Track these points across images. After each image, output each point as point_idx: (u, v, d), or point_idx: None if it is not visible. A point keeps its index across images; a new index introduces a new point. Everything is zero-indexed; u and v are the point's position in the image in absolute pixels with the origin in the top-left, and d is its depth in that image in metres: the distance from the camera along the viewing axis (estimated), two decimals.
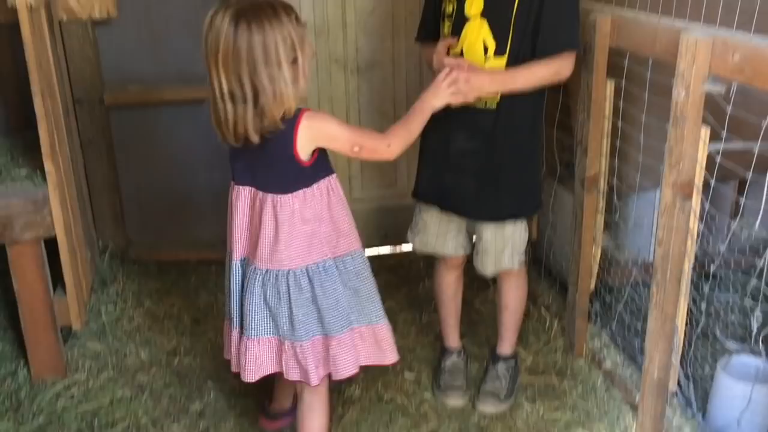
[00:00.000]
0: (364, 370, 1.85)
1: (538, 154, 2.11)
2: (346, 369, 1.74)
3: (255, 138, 1.58)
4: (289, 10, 1.57)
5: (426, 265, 2.92)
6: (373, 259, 3.04)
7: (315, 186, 1.68)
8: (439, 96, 1.80)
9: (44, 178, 2.17)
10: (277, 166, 1.64)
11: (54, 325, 2.27)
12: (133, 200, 3.03)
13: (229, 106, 1.57)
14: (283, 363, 1.75)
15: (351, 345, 1.75)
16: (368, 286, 1.80)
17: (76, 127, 2.77)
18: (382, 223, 3.17)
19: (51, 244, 2.23)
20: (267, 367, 1.77)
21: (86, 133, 2.82)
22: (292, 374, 1.75)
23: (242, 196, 1.73)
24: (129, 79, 2.85)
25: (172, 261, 3.03)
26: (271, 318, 1.72)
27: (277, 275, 1.68)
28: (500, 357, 2.30)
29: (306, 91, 1.65)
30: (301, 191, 1.66)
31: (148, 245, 3.06)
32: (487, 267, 2.10)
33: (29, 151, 2.42)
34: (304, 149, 1.63)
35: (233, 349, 1.82)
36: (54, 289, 2.29)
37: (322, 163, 1.71)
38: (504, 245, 2.06)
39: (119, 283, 2.83)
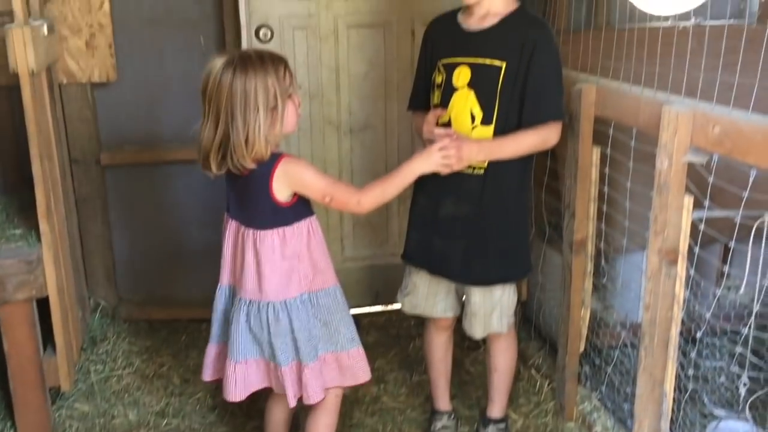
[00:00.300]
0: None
1: (526, 219, 2.16)
2: (315, 395, 1.86)
3: (214, 170, 1.77)
4: (278, 62, 1.74)
5: (417, 324, 2.94)
6: (363, 318, 3.08)
7: (295, 225, 1.82)
8: (429, 162, 1.86)
9: (39, 238, 2.19)
10: (257, 203, 1.79)
11: (43, 386, 2.26)
12: (125, 258, 3.04)
13: (206, 134, 1.76)
14: (272, 381, 1.90)
15: (318, 372, 1.87)
16: (338, 317, 1.91)
17: (71, 186, 2.81)
18: (373, 282, 3.19)
19: (42, 302, 2.23)
20: (255, 385, 1.92)
21: (81, 191, 2.86)
22: (279, 390, 1.90)
23: (231, 228, 1.89)
24: (125, 139, 2.90)
25: (162, 319, 3.03)
26: (256, 343, 1.87)
27: (259, 306, 1.83)
28: (491, 420, 2.30)
29: (281, 138, 1.79)
30: (281, 229, 1.80)
31: (139, 303, 3.06)
32: (476, 330, 2.12)
33: (25, 211, 2.45)
34: (280, 192, 1.77)
35: (212, 364, 2.01)
36: (44, 349, 2.29)
37: (303, 205, 1.84)
38: (493, 308, 2.09)
39: (109, 342, 2.82)
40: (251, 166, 1.73)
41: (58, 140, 2.53)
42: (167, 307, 3.06)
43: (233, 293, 1.92)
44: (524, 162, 2.03)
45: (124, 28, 2.77)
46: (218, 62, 1.73)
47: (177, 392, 2.56)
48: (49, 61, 2.41)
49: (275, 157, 1.75)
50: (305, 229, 1.84)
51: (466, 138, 1.93)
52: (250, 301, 1.84)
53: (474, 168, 1.97)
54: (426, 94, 2.09)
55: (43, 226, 2.16)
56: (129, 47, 2.80)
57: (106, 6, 2.65)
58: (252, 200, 1.80)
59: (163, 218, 3.02)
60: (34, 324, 2.22)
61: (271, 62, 1.73)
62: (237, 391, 1.89)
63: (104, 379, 2.61)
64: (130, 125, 2.90)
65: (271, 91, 1.70)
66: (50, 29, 2.42)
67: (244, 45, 2.70)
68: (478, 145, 1.92)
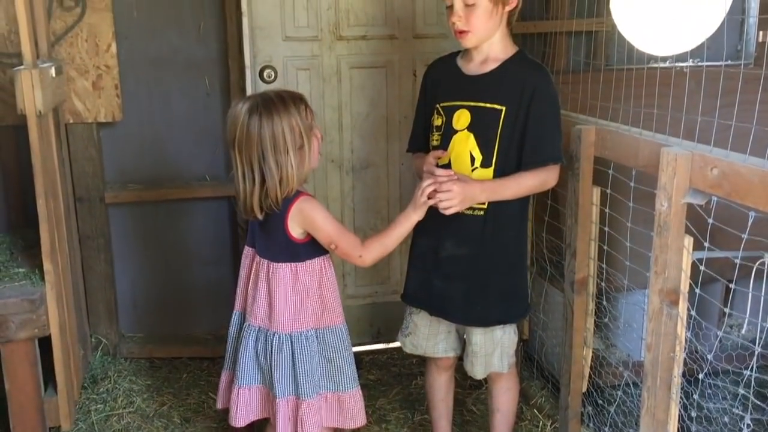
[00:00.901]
0: None
1: (525, 259, 2.17)
2: (311, 431, 1.88)
3: (259, 215, 1.81)
4: (298, 101, 1.80)
5: (419, 362, 2.92)
6: (365, 356, 3.07)
7: (308, 262, 1.86)
8: (419, 210, 1.89)
9: (42, 278, 2.20)
10: (273, 236, 1.85)
11: (43, 426, 2.25)
12: (127, 296, 3.05)
13: (241, 185, 1.80)
14: (270, 412, 1.93)
15: (317, 409, 1.89)
16: (342, 356, 1.93)
17: (75, 224, 2.83)
18: (374, 319, 3.19)
19: (43, 340, 2.23)
20: (256, 413, 1.96)
21: (85, 229, 2.87)
22: (274, 423, 1.92)
23: (248, 256, 1.97)
24: (129, 178, 2.93)
25: (163, 357, 3.02)
26: (260, 370, 1.92)
27: (267, 334, 1.89)
28: None
29: (309, 173, 1.87)
30: (293, 264, 1.85)
31: (141, 341, 3.06)
32: (477, 370, 2.12)
33: (29, 249, 2.46)
34: (294, 228, 1.83)
35: (224, 392, 2.03)
36: (45, 388, 2.28)
37: (318, 243, 1.87)
38: (493, 348, 2.09)
39: (110, 381, 2.81)
40: (273, 206, 1.80)
41: (63, 178, 2.56)
42: (168, 345, 3.05)
43: (244, 318, 1.99)
44: (522, 203, 2.04)
45: (131, 69, 2.82)
46: (241, 110, 1.76)
47: None
48: (56, 102, 2.45)
49: (294, 195, 1.81)
50: (317, 267, 1.89)
51: (468, 178, 1.95)
52: (259, 328, 1.91)
53: (474, 209, 1.98)
54: (425, 136, 2.12)
55: (47, 265, 2.18)
56: (135, 88, 2.85)
57: (113, 48, 2.70)
58: (269, 233, 1.86)
59: (166, 256, 3.03)
60: (36, 363, 2.22)
61: (292, 102, 1.78)
62: (238, 416, 1.94)
63: (105, 419, 2.59)
64: (134, 164, 2.93)
65: (297, 131, 1.77)
66: (58, 71, 2.46)
67: (248, 86, 2.74)
68: (481, 186, 1.94)
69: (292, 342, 1.87)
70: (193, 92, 2.91)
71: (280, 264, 1.86)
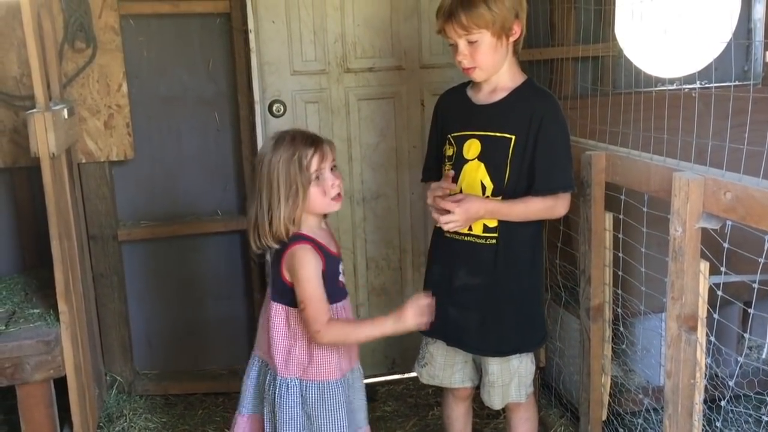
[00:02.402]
0: None
1: (541, 287, 2.15)
2: None
3: (254, 247, 1.82)
4: (308, 145, 1.77)
5: (435, 392, 2.90)
6: (380, 387, 3.05)
7: (298, 310, 1.80)
8: (403, 325, 1.78)
9: (57, 318, 2.20)
10: (273, 274, 1.85)
11: None
12: (141, 333, 3.05)
13: (249, 211, 1.84)
14: None
15: None
16: (324, 415, 1.83)
17: (89, 263, 2.84)
18: (389, 350, 3.17)
19: (59, 379, 2.23)
20: None
21: (99, 267, 2.88)
22: None
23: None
24: (142, 215, 2.95)
25: (178, 394, 3.01)
26: (261, 400, 1.90)
27: (267, 365, 1.89)
28: None
29: (299, 219, 1.80)
30: (286, 307, 1.83)
31: (155, 378, 3.05)
32: (494, 400, 2.09)
33: (43, 289, 2.47)
34: (286, 273, 1.81)
35: None
36: (61, 428, 2.27)
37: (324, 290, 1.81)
38: (511, 378, 2.06)
39: (126, 419, 2.79)
40: (272, 245, 1.80)
41: (76, 218, 2.57)
42: (183, 381, 3.04)
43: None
44: (535, 231, 2.03)
45: (142, 108, 2.85)
46: (269, 141, 1.82)
47: None
48: (69, 143, 2.47)
49: (293, 240, 1.78)
50: None
51: (471, 196, 1.95)
52: (262, 360, 1.91)
53: (486, 238, 1.98)
54: (438, 166, 2.12)
55: (62, 305, 2.18)
56: (146, 126, 2.87)
57: (124, 87, 2.73)
58: (272, 271, 1.87)
59: (179, 292, 3.03)
60: (52, 404, 2.21)
61: (302, 145, 1.77)
62: None
63: None
64: (146, 201, 2.95)
65: (291, 176, 1.75)
66: (70, 112, 2.49)
67: (258, 121, 2.77)
68: (483, 204, 1.94)
69: (278, 385, 1.82)
70: (203, 128, 2.93)
71: (276, 304, 1.84)
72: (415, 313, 1.78)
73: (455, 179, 2.00)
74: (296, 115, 2.94)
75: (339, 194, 1.83)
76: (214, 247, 3.03)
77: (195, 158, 2.94)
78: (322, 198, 1.80)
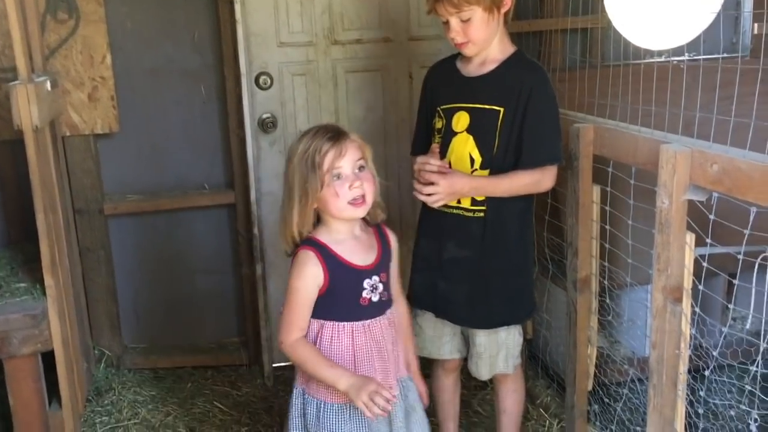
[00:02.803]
0: None
1: (530, 260, 2.16)
2: None
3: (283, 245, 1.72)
4: (325, 142, 1.60)
5: (424, 364, 2.91)
6: None
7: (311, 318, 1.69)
8: (353, 392, 1.59)
9: (44, 292, 2.19)
10: None
11: None
12: (130, 307, 3.04)
13: None
14: None
15: None
16: None
17: (75, 237, 2.82)
18: None
19: (47, 354, 2.23)
20: None
21: (85, 241, 2.87)
22: None
23: None
24: (128, 189, 2.93)
25: (167, 368, 3.01)
26: None
27: None
28: None
29: (309, 221, 1.66)
30: None
31: (144, 352, 3.05)
32: (482, 371, 2.11)
33: (29, 263, 2.46)
34: None
35: None
36: (49, 402, 2.27)
37: (325, 304, 1.68)
38: (498, 350, 2.08)
39: (114, 393, 2.80)
40: (286, 247, 1.70)
41: (61, 191, 2.55)
42: (172, 355, 3.05)
43: None
44: (524, 204, 2.04)
45: (126, 80, 2.81)
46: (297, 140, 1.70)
47: None
48: (52, 116, 2.44)
49: (303, 242, 1.68)
50: (315, 328, 1.70)
51: (457, 172, 1.95)
52: None
53: (474, 211, 1.98)
54: (427, 140, 2.11)
55: (48, 279, 2.17)
56: (131, 98, 2.84)
57: (108, 59, 2.69)
58: None
59: (167, 266, 3.03)
60: (40, 378, 2.21)
61: (320, 139, 1.61)
62: None
63: (110, 431, 2.59)
64: (132, 175, 2.92)
65: (304, 174, 1.61)
66: (53, 84, 2.46)
67: (245, 93, 2.73)
68: (468, 181, 1.94)
69: (292, 392, 1.78)
70: (189, 101, 2.90)
71: None
72: (368, 395, 1.56)
73: (443, 152, 2.00)
74: (283, 87, 2.91)
75: (361, 198, 1.63)
76: (201, 221, 3.02)
77: (181, 131, 2.92)
78: (336, 201, 1.62)
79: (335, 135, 1.62)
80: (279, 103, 2.92)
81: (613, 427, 2.33)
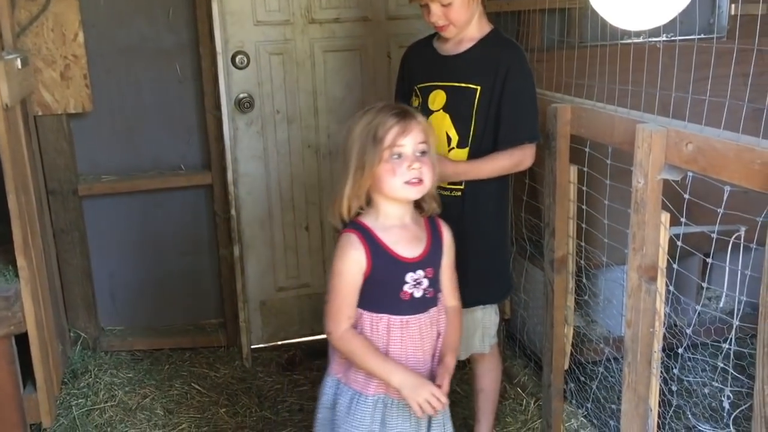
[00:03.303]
0: None
1: (506, 240, 2.16)
2: None
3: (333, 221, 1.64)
4: (389, 119, 1.54)
5: None
6: None
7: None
8: (408, 390, 1.56)
9: (16, 274, 2.15)
10: None
11: (23, 423, 2.21)
12: (105, 288, 3.01)
13: None
14: None
15: None
16: (344, 428, 1.64)
17: (49, 218, 2.78)
18: None
19: (21, 337, 2.20)
20: None
21: (59, 223, 2.82)
22: None
23: None
24: (103, 169, 2.88)
25: (144, 350, 2.99)
26: None
27: None
28: None
29: (362, 199, 1.59)
30: None
31: (121, 334, 3.03)
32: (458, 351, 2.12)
33: (1, 245, 2.41)
34: None
35: None
36: (24, 385, 2.25)
37: (371, 292, 1.59)
38: (475, 329, 2.09)
39: (90, 375, 2.78)
40: (335, 223, 1.61)
41: (34, 172, 2.51)
42: (149, 336, 3.03)
43: None
44: (501, 184, 2.04)
45: (99, 59, 2.76)
46: (358, 113, 1.63)
47: (161, 424, 2.53)
48: (23, 94, 2.39)
49: (349, 225, 1.60)
50: (361, 318, 1.61)
51: (440, 157, 1.94)
52: None
53: (452, 190, 1.98)
54: None
55: (21, 261, 2.13)
56: (104, 77, 2.79)
57: (80, 37, 2.64)
58: None
59: (143, 247, 3.00)
60: (14, 360, 2.18)
61: (385, 114, 1.55)
62: None
63: (86, 413, 2.57)
64: (107, 155, 2.88)
65: (363, 146, 1.53)
66: (24, 62, 2.40)
67: (221, 72, 2.70)
68: (453, 166, 1.94)
69: (324, 381, 1.71)
70: (164, 80, 2.86)
71: None
72: (425, 398, 1.55)
73: None
74: (260, 66, 2.88)
75: (418, 179, 1.55)
76: (178, 202, 2.99)
77: (156, 111, 2.87)
78: (391, 178, 1.53)
79: (402, 113, 1.56)
80: (256, 82, 2.88)
81: (589, 405, 2.35)
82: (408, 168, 1.53)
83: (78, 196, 2.82)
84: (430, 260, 1.63)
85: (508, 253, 2.17)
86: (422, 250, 1.62)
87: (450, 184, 1.97)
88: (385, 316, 1.59)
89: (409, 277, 1.59)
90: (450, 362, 1.69)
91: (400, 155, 1.54)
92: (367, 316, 1.60)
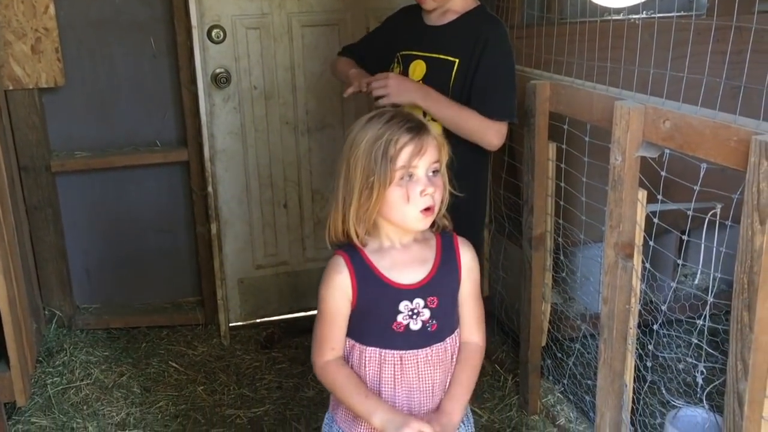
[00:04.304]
0: None
1: (481, 217, 2.14)
2: None
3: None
4: (402, 133, 1.33)
5: None
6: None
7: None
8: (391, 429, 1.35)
9: None
10: None
11: None
12: (81, 266, 2.97)
13: None
14: None
15: None
16: None
17: (21, 195, 2.73)
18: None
19: None
20: None
21: (32, 199, 2.78)
22: None
23: None
24: (76, 145, 2.83)
25: (121, 328, 2.97)
26: None
27: None
28: None
29: (370, 223, 1.38)
30: None
31: (96, 312, 3.00)
32: None
33: None
34: None
35: None
36: None
37: (358, 323, 1.42)
38: None
39: (66, 353, 2.75)
40: (328, 244, 1.43)
41: (5, 148, 2.46)
42: (125, 314, 3.00)
43: None
44: (478, 154, 2.01)
45: (71, 32, 2.70)
46: (360, 119, 1.41)
47: (138, 402, 2.52)
48: None
49: (341, 247, 1.41)
50: (347, 349, 1.45)
51: (408, 78, 1.96)
52: None
53: None
54: (364, 54, 2.17)
55: None
56: (77, 51, 2.73)
57: (51, 9, 2.57)
58: None
59: (118, 224, 2.96)
60: None
61: (398, 127, 1.33)
62: None
63: (62, 392, 2.55)
64: (80, 131, 2.83)
65: (371, 164, 1.32)
66: None
67: (196, 47, 2.65)
68: (418, 85, 1.93)
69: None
70: (138, 54, 2.80)
71: None
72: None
73: None
74: (237, 41, 2.83)
75: (428, 208, 1.35)
76: (153, 179, 2.95)
77: (130, 86, 2.82)
78: (402, 204, 1.34)
79: (416, 127, 1.35)
80: (233, 57, 2.84)
81: (566, 381, 2.37)
82: (421, 194, 1.34)
83: (51, 172, 2.77)
84: (434, 287, 1.41)
85: (480, 229, 2.15)
86: (425, 274, 1.41)
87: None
88: (376, 350, 1.41)
89: (404, 306, 1.39)
90: (450, 413, 1.41)
91: (411, 176, 1.35)
92: (358, 348, 1.43)
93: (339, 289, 1.38)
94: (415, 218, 1.36)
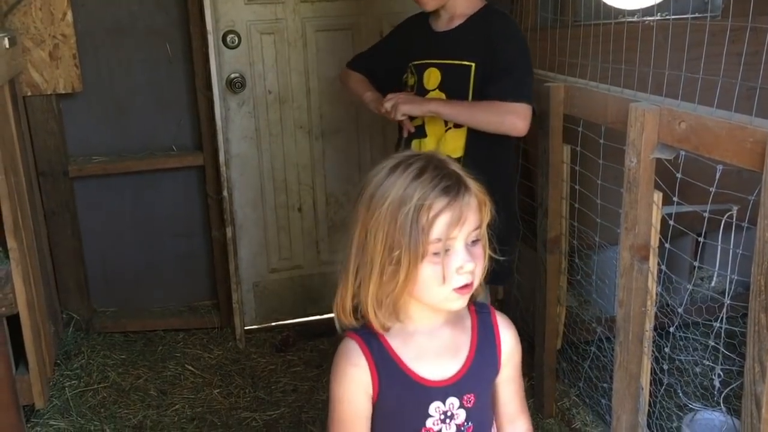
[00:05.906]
0: None
1: (513, 224, 2.12)
2: None
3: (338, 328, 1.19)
4: (434, 194, 1.05)
5: None
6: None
7: None
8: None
9: (7, 255, 2.14)
10: None
11: (16, 405, 2.21)
12: (98, 270, 3.00)
13: None
14: None
15: None
16: None
17: (39, 199, 2.76)
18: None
19: (12, 318, 2.19)
20: None
21: (50, 204, 2.81)
22: None
23: None
24: (94, 150, 2.86)
25: (137, 331, 2.99)
26: None
27: None
28: None
29: (397, 305, 1.11)
30: None
31: (113, 315, 3.02)
32: None
33: None
34: None
35: None
36: (16, 367, 2.24)
37: (378, 426, 1.17)
38: None
39: (84, 356, 2.78)
40: (342, 325, 1.16)
41: (23, 153, 2.49)
42: (142, 318, 3.02)
43: None
44: (501, 148, 1.99)
45: (89, 38, 2.73)
46: (386, 162, 1.12)
47: (154, 404, 2.53)
48: (11, 74, 2.37)
49: (354, 329, 1.16)
50: None
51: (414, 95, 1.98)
52: None
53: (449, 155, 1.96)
54: (374, 66, 2.16)
55: (11, 242, 2.12)
56: (94, 57, 2.76)
57: (69, 16, 2.60)
58: None
59: (135, 229, 2.98)
60: (6, 342, 2.17)
61: (431, 188, 1.05)
62: None
63: (79, 395, 2.57)
64: (97, 136, 2.86)
65: (397, 234, 1.05)
66: (12, 41, 2.37)
67: (211, 52, 2.67)
68: (425, 99, 1.94)
69: None
70: (154, 60, 2.83)
71: None
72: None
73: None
74: (251, 46, 2.85)
75: (466, 285, 1.08)
76: (170, 184, 2.97)
77: (147, 91, 2.85)
78: (436, 285, 1.07)
79: (453, 185, 1.06)
80: (247, 62, 2.86)
81: (581, 385, 2.36)
82: (456, 271, 1.06)
83: (68, 177, 2.80)
84: (470, 382, 1.16)
85: (512, 237, 2.11)
86: (459, 366, 1.15)
87: (447, 150, 1.95)
88: None
89: (435, 408, 1.14)
90: None
91: (448, 250, 1.06)
92: None
93: (357, 384, 1.13)
94: (449, 298, 1.09)
